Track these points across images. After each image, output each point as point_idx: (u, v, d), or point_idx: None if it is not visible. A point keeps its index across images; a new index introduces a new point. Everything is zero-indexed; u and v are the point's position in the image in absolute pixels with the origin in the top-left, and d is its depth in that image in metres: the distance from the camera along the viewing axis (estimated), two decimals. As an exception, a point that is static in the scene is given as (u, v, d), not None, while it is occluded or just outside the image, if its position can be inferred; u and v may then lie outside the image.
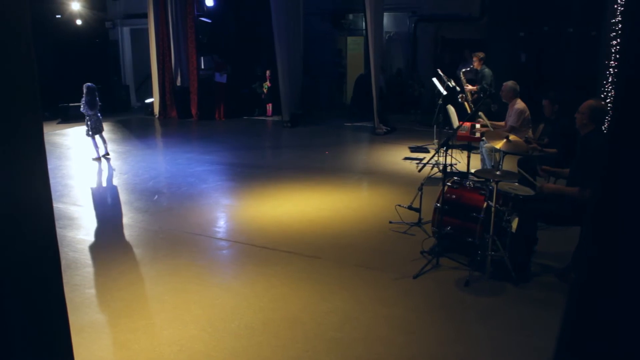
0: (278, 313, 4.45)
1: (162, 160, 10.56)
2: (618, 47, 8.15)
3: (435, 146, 10.40)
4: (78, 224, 6.73)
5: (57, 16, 15.94)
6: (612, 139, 2.06)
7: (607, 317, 2.07)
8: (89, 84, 9.95)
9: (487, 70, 9.83)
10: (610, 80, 9.03)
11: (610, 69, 8.87)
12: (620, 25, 8.18)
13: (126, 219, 6.91)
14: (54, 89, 15.02)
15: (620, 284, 2.01)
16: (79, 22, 15.91)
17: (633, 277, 1.96)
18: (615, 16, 8.70)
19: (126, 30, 18.25)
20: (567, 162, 5.97)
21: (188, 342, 4.00)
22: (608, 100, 8.29)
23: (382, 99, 14.73)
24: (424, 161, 8.84)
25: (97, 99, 9.99)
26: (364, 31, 15.77)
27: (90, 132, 9.98)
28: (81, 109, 9.95)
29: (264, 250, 5.80)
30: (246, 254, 5.75)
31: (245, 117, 15.75)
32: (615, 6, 8.74)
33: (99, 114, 10.04)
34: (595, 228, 2.12)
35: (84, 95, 9.86)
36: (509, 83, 7.68)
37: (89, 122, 9.92)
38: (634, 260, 1.94)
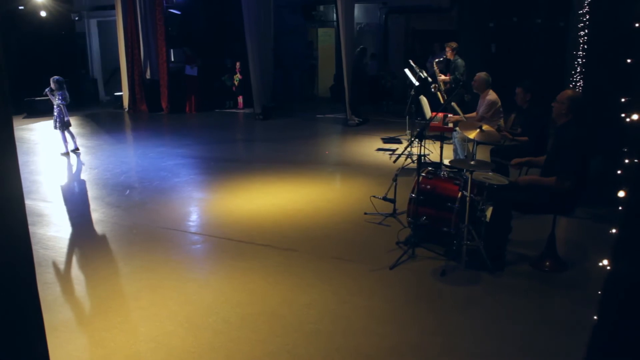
0: (256, 307, 4.41)
1: (133, 155, 10.40)
2: (585, 37, 8.26)
3: (408, 137, 10.46)
4: (48, 220, 6.58)
5: (20, 7, 15.51)
6: None
7: None
8: (58, 77, 9.73)
9: (459, 61, 9.90)
10: (578, 70, 9.15)
11: (578, 59, 8.99)
12: (587, 17, 8.30)
13: (98, 215, 6.78)
14: (18, 83, 14.64)
15: None
16: (43, 13, 15.52)
17: None
18: (582, 7, 8.82)
19: (93, 22, 17.89)
20: (539, 151, 6.05)
21: (165, 339, 3.94)
22: (577, 90, 8.42)
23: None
24: (398, 152, 8.89)
25: (67, 92, 9.80)
26: (335, 23, 15.73)
27: (59, 126, 9.75)
28: (58, 101, 9.67)
29: (239, 244, 5.75)
30: (222, 248, 5.70)
31: (216, 110, 15.62)
32: (583, -3, 8.86)
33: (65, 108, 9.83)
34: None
35: (54, 88, 9.63)
36: (482, 74, 7.74)
37: (60, 116, 9.69)
38: None
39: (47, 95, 9.87)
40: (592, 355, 2.36)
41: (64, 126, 9.78)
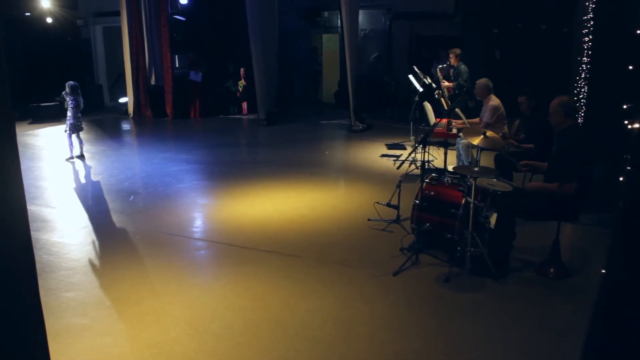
0: (259, 313, 4.41)
1: (137, 160, 10.43)
2: (590, 43, 8.25)
3: (412, 143, 10.44)
4: (52, 226, 6.60)
5: (27, 14, 15.59)
6: None
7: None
8: (73, 82, 9.87)
9: (463, 67, 9.90)
10: (582, 76, 9.14)
11: (583, 65, 8.97)
12: (591, 23, 8.28)
13: (102, 221, 6.79)
14: (24, 88, 14.70)
15: None
16: (49, 20, 15.60)
17: None
18: (586, 13, 8.80)
19: (98, 28, 17.96)
20: (544, 157, 6.03)
21: (168, 345, 3.94)
22: (581, 96, 8.40)
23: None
24: (402, 158, 8.88)
25: (81, 97, 9.92)
26: (340, 28, 15.75)
27: (70, 130, 9.84)
28: (68, 105, 9.80)
29: (243, 250, 5.75)
30: (225, 254, 5.70)
31: (221, 116, 15.63)
32: (587, 3, 8.84)
33: (79, 113, 9.94)
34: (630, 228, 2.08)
35: (68, 93, 9.78)
36: (482, 80, 7.75)
37: (71, 121, 9.78)
38: None
39: (64, 99, 10.03)
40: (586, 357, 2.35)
41: (71, 130, 9.85)
